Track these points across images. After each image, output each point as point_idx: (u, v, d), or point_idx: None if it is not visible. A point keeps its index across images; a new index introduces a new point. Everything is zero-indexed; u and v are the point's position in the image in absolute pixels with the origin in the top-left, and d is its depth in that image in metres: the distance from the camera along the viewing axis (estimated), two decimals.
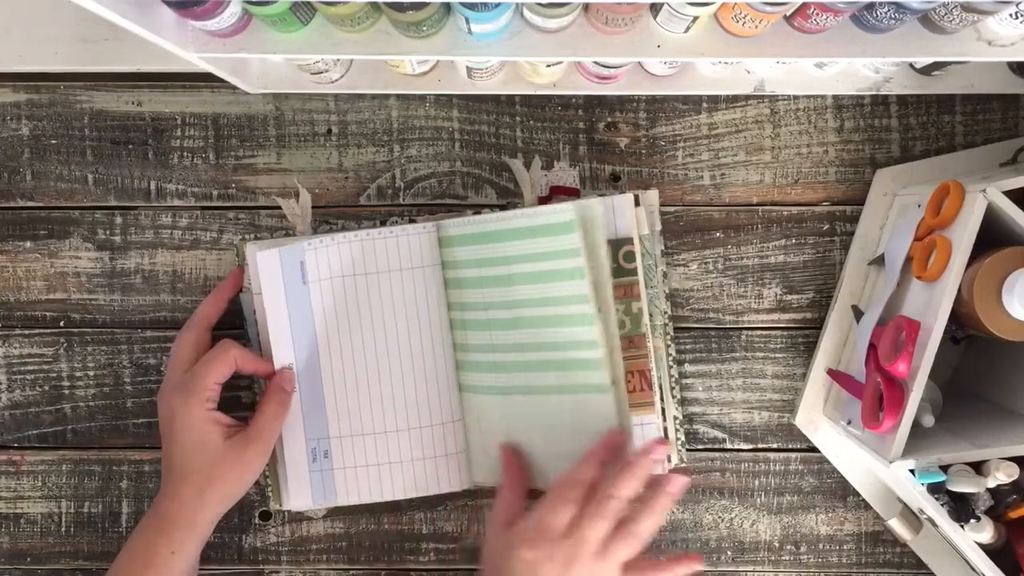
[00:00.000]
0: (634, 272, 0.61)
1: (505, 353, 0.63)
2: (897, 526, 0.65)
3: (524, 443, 0.64)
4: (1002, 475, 0.56)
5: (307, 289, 0.65)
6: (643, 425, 0.62)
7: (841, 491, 0.68)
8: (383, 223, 0.67)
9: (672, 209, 0.68)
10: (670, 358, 0.66)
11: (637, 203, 0.62)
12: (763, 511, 0.69)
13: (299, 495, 0.66)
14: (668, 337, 0.66)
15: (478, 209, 0.68)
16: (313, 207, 0.68)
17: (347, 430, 0.65)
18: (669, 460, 0.63)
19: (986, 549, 0.57)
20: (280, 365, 0.65)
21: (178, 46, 0.52)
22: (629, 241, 0.61)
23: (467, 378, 0.65)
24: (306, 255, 0.65)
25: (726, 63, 0.63)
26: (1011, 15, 0.51)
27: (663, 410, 0.63)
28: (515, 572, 0.53)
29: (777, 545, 0.69)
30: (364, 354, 0.66)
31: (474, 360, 0.65)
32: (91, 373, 0.69)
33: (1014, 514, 0.58)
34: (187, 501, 0.59)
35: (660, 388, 0.63)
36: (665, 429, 0.63)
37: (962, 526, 0.56)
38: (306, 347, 0.65)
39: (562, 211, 0.61)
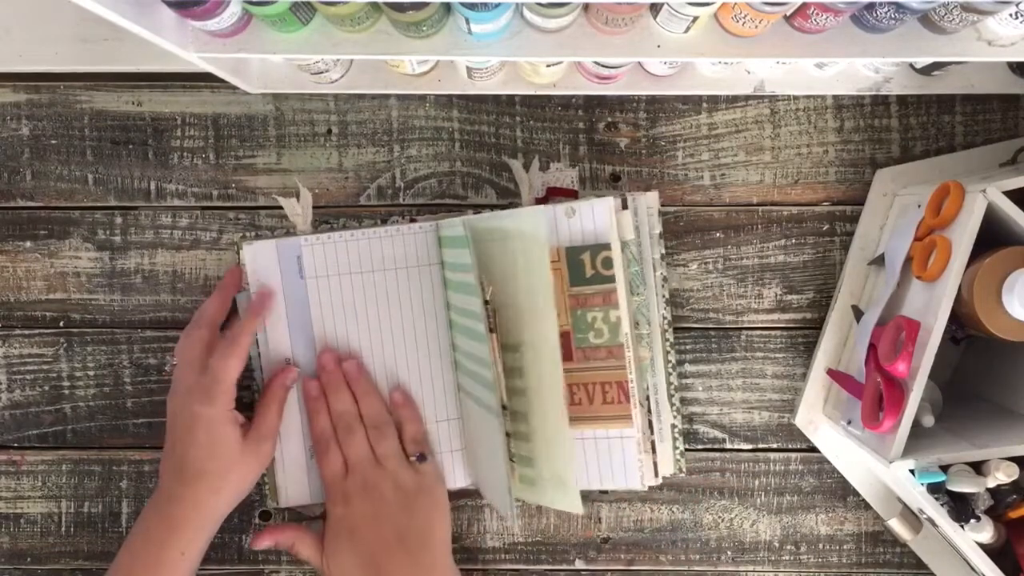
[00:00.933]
0: (612, 279, 0.59)
1: (462, 357, 0.64)
2: (897, 526, 0.65)
3: (477, 454, 0.64)
4: (1002, 475, 0.55)
5: (304, 284, 0.65)
6: (623, 438, 0.60)
7: (841, 491, 0.68)
8: (384, 223, 0.67)
9: (672, 209, 0.68)
10: (670, 364, 0.65)
11: (625, 207, 0.60)
12: (763, 511, 0.69)
13: (296, 492, 0.66)
14: (667, 344, 0.65)
15: (479, 209, 0.68)
16: (313, 207, 0.68)
17: None
18: (657, 474, 0.63)
19: (986, 549, 0.57)
20: (277, 359, 0.65)
21: (178, 46, 0.52)
22: (607, 247, 0.59)
23: (461, 380, 0.66)
24: (303, 250, 0.65)
25: (726, 63, 0.63)
26: (1011, 15, 0.51)
27: (650, 422, 0.62)
28: (351, 532, 0.61)
29: (777, 545, 0.69)
30: (362, 351, 0.66)
31: (459, 361, 0.65)
32: (91, 373, 0.69)
33: (1014, 514, 0.58)
34: (202, 501, 0.59)
35: (648, 398, 0.62)
36: (653, 443, 0.62)
37: (962, 526, 0.56)
38: (303, 342, 0.66)
39: (455, 225, 0.61)
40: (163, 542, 0.58)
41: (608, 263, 0.60)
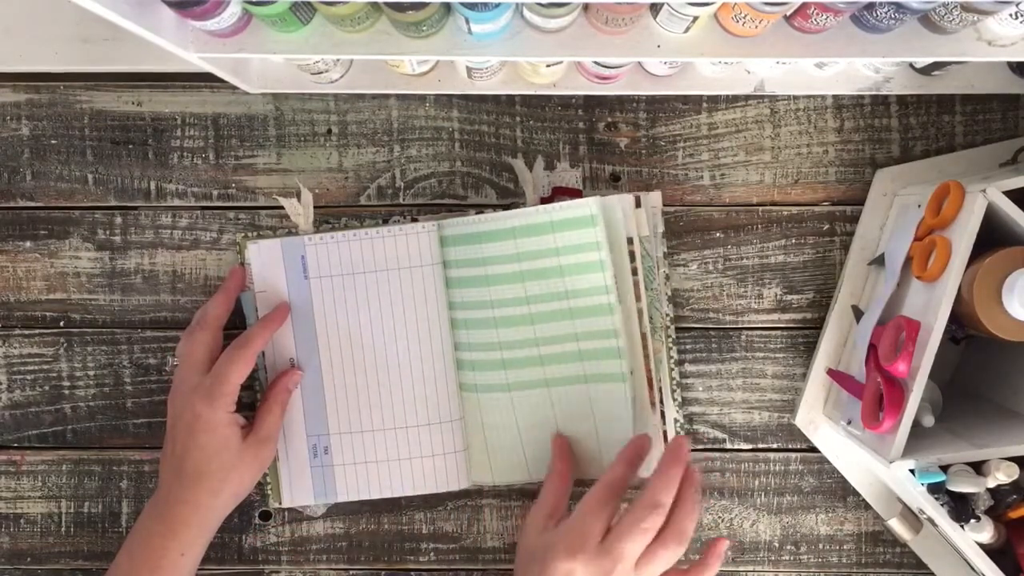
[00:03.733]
0: (635, 272, 0.62)
1: (516, 349, 0.64)
2: (897, 526, 0.65)
3: (540, 437, 0.64)
4: (1002, 475, 0.55)
5: (308, 284, 0.65)
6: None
7: (841, 491, 0.68)
8: (385, 222, 0.67)
9: (672, 209, 0.68)
10: (671, 361, 0.66)
11: (638, 204, 0.62)
12: (763, 511, 0.69)
13: (300, 491, 0.66)
14: (670, 340, 0.66)
15: (480, 209, 0.68)
16: (314, 207, 0.68)
17: (347, 427, 0.66)
18: None
19: (986, 549, 0.57)
20: (281, 359, 0.65)
21: (178, 46, 0.52)
22: (630, 242, 0.61)
23: (469, 377, 0.65)
24: (307, 249, 0.65)
25: (726, 63, 0.63)
26: (1011, 15, 0.51)
27: (662, 412, 0.63)
28: None
29: (777, 545, 0.69)
30: (364, 352, 0.66)
31: (478, 359, 0.65)
32: (91, 373, 0.69)
33: (1014, 514, 0.58)
34: (201, 503, 0.59)
35: (659, 391, 0.63)
36: (665, 432, 0.63)
37: (962, 526, 0.56)
38: (306, 342, 0.66)
39: (583, 206, 0.62)
40: (163, 543, 0.58)
41: (631, 257, 0.62)
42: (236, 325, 0.68)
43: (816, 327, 0.68)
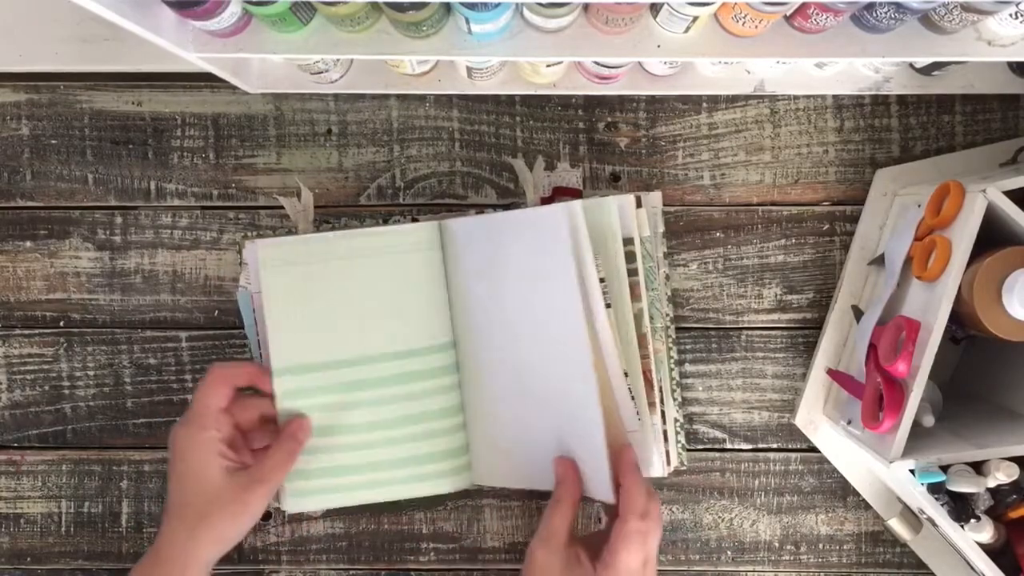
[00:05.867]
0: (635, 273, 0.61)
1: (501, 352, 0.63)
2: (897, 526, 0.65)
3: (528, 441, 0.64)
4: (1002, 475, 0.56)
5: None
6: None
7: (841, 491, 0.68)
8: (385, 222, 0.67)
9: (672, 209, 0.68)
10: (671, 360, 0.66)
11: (639, 204, 0.62)
12: (763, 511, 0.69)
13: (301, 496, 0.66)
14: (670, 340, 0.66)
15: (480, 209, 0.68)
16: (313, 207, 0.68)
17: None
18: (669, 463, 0.63)
19: (986, 549, 0.57)
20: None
21: (178, 46, 0.52)
22: (630, 242, 0.61)
23: (468, 378, 0.65)
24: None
25: (726, 63, 0.63)
26: (1011, 15, 0.51)
27: (663, 412, 0.62)
28: None
29: (777, 545, 0.69)
30: (365, 352, 0.65)
31: (476, 360, 0.65)
32: (91, 373, 0.69)
33: (1014, 514, 0.58)
34: (177, 539, 0.56)
35: (660, 391, 0.63)
36: (665, 432, 0.63)
37: (962, 526, 0.56)
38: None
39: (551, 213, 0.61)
40: None
41: (631, 257, 0.61)
42: (235, 325, 0.68)
43: (816, 327, 0.68)
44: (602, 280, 0.60)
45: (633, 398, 0.60)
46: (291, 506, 0.64)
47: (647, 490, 0.55)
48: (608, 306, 0.59)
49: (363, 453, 0.63)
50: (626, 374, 0.60)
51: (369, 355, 0.63)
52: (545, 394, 0.61)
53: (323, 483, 0.63)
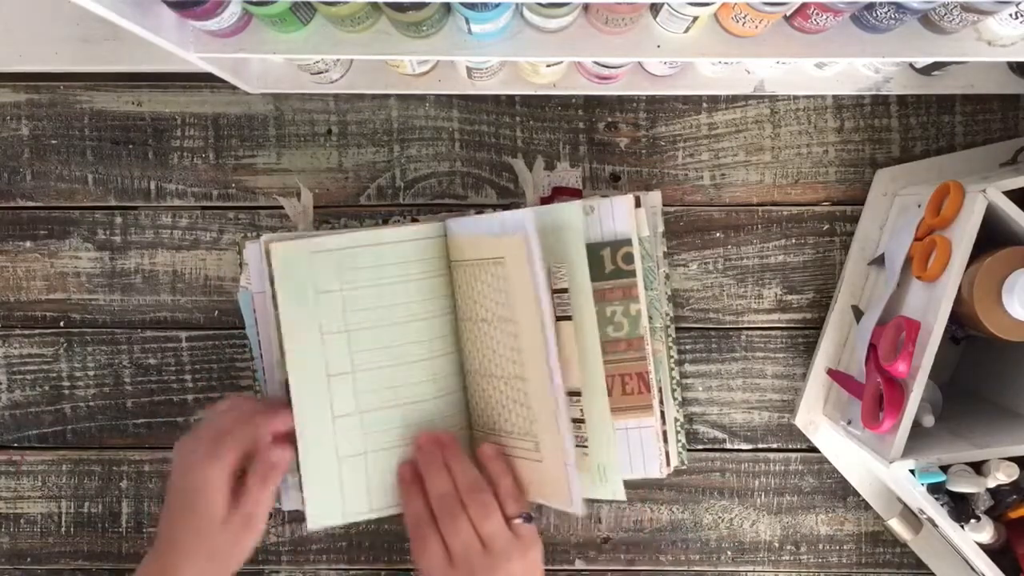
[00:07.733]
0: (633, 274, 0.61)
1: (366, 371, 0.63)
2: (897, 526, 0.65)
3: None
4: (1002, 475, 0.56)
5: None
6: (641, 428, 0.61)
7: (841, 491, 0.68)
8: (385, 222, 0.67)
9: (672, 209, 0.68)
10: (672, 360, 0.66)
11: (638, 204, 0.62)
12: (763, 511, 0.69)
13: (299, 494, 0.65)
14: (670, 340, 0.66)
15: (480, 209, 0.68)
16: (313, 207, 0.68)
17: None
18: (669, 463, 0.63)
19: (986, 549, 0.57)
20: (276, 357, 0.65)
21: (178, 46, 0.52)
22: (628, 243, 0.61)
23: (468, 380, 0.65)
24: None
25: (726, 63, 0.63)
26: (1011, 15, 0.51)
27: (662, 413, 0.62)
28: None
29: (777, 545, 0.69)
30: (366, 352, 0.65)
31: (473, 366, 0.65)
32: (91, 373, 0.69)
33: (1014, 514, 0.58)
34: (167, 571, 0.54)
35: (660, 391, 0.63)
36: (664, 433, 0.62)
37: (962, 526, 0.56)
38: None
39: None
40: None
41: (629, 258, 0.61)
42: (235, 325, 0.68)
43: (816, 327, 0.68)
44: (564, 290, 0.59)
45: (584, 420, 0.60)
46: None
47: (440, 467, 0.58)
48: (568, 318, 0.59)
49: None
50: (579, 393, 0.59)
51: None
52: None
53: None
